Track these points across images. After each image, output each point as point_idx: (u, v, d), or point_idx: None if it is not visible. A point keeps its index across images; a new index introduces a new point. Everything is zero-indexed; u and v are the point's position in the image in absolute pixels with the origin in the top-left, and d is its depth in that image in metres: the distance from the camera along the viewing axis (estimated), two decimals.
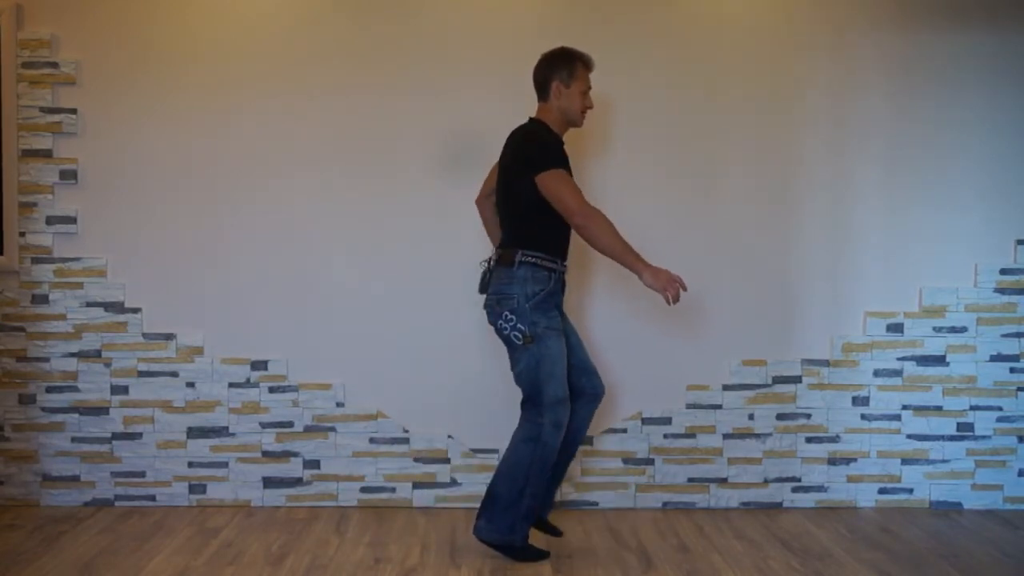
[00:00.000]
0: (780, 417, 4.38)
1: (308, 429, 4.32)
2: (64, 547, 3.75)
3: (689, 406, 4.36)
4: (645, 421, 4.36)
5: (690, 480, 4.36)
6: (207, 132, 4.26)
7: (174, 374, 4.30)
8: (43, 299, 4.27)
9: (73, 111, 4.24)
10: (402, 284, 4.30)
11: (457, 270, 4.18)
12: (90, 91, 4.24)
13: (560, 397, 3.54)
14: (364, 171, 4.28)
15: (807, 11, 4.31)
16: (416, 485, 4.33)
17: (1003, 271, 4.38)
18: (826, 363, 4.37)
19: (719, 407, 4.37)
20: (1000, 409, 4.39)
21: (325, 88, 4.25)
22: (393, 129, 4.27)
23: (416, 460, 4.33)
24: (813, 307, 4.37)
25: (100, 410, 4.29)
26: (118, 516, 4.16)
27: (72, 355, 4.28)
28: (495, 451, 4.23)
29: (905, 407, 4.38)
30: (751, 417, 4.37)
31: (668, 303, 3.46)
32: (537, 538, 3.78)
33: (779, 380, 4.37)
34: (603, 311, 4.33)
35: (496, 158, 3.72)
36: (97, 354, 4.29)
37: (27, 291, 4.27)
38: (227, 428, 4.31)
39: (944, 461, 4.39)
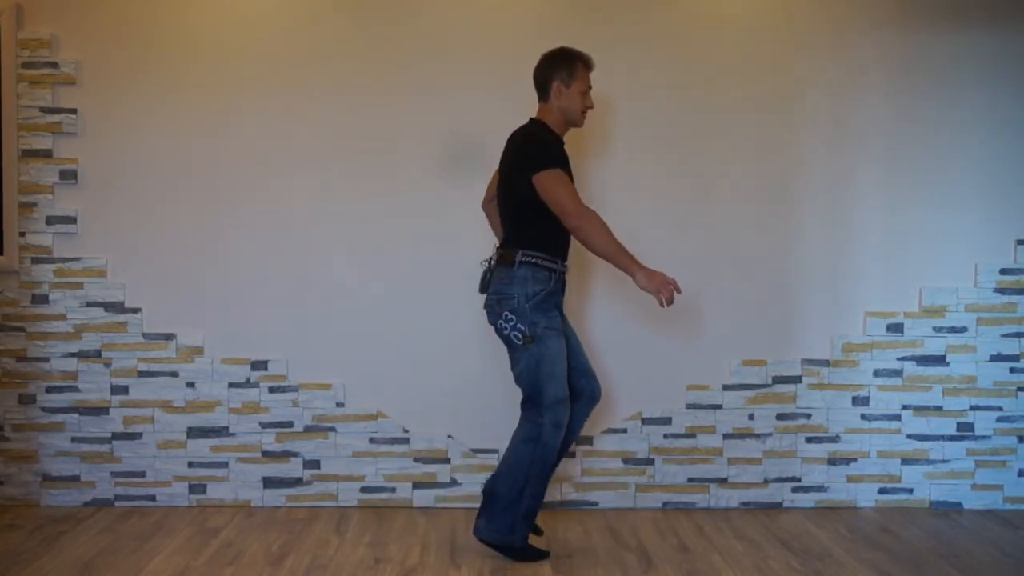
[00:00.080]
0: (780, 417, 4.38)
1: (308, 429, 4.32)
2: (64, 547, 3.76)
3: (689, 406, 4.36)
4: (645, 421, 4.36)
5: (690, 480, 4.36)
6: (207, 132, 4.26)
7: (174, 374, 4.30)
8: (43, 299, 4.27)
9: (73, 111, 4.24)
10: (402, 284, 4.30)
11: (457, 270, 4.18)
12: (90, 91, 4.24)
13: (560, 397, 3.54)
14: (364, 171, 4.28)
15: (807, 11, 4.32)
16: (416, 485, 4.33)
17: (1003, 271, 4.38)
18: (826, 363, 4.37)
19: (719, 407, 4.37)
20: (1000, 409, 4.39)
21: (325, 88, 4.25)
22: (393, 129, 4.27)
23: (416, 460, 4.33)
24: (813, 307, 4.37)
25: (100, 410, 4.29)
26: (118, 516, 4.16)
27: (72, 355, 4.28)
28: (495, 451, 4.23)
29: (905, 407, 4.39)
30: (751, 417, 4.37)
31: (661, 305, 3.45)
32: (537, 538, 3.78)
33: (779, 380, 4.37)
34: (603, 312, 4.33)
35: (496, 158, 3.71)
36: (97, 354, 4.29)
37: (27, 291, 4.27)
38: (227, 428, 4.31)
39: (944, 461, 4.39)
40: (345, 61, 4.25)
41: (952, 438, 4.39)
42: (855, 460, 4.38)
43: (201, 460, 4.31)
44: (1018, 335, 4.39)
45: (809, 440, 4.38)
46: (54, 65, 4.22)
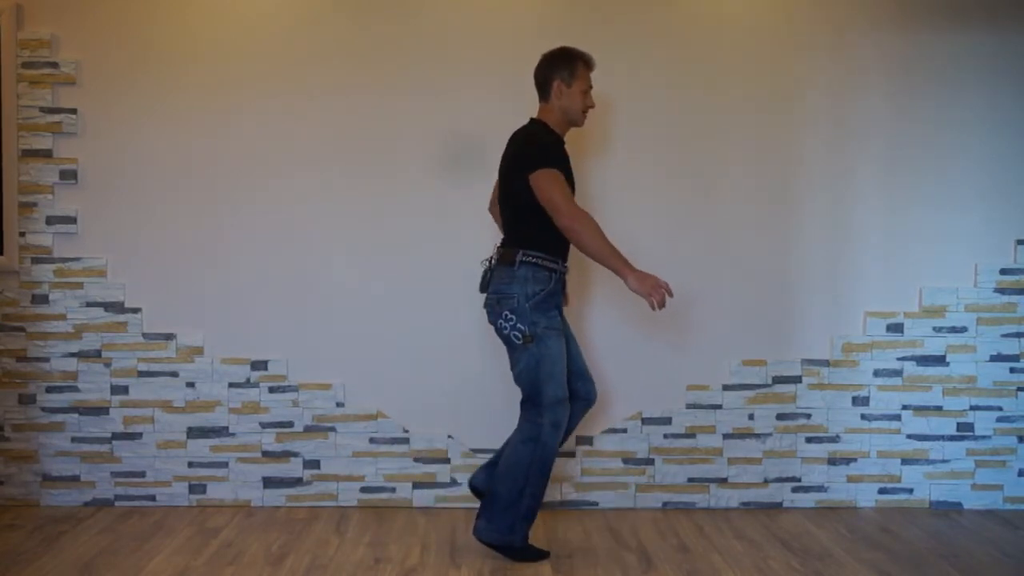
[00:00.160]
0: (780, 417, 4.38)
1: (308, 429, 4.32)
2: (64, 547, 3.76)
3: (689, 406, 4.36)
4: (645, 421, 4.36)
5: (690, 480, 4.37)
6: (207, 132, 4.26)
7: (174, 374, 4.30)
8: (43, 299, 4.27)
9: (73, 111, 4.24)
10: (402, 284, 4.30)
11: (457, 270, 4.18)
12: (90, 91, 4.24)
13: (560, 397, 3.54)
14: (364, 171, 4.28)
15: (807, 11, 4.32)
16: (416, 485, 4.33)
17: (1003, 271, 4.38)
18: (826, 363, 4.37)
19: (719, 407, 4.37)
20: (1000, 409, 4.39)
21: (325, 88, 4.25)
22: (393, 129, 4.27)
23: (416, 460, 4.33)
24: (813, 307, 4.37)
25: (100, 410, 4.29)
26: (118, 516, 4.16)
27: (72, 355, 4.28)
28: (495, 451, 4.22)
29: (905, 407, 4.39)
30: (751, 417, 4.37)
31: (653, 308, 3.45)
32: (537, 538, 3.78)
33: (779, 380, 4.37)
34: (603, 312, 4.33)
35: (496, 158, 3.72)
36: (97, 354, 4.29)
37: (27, 291, 4.27)
38: (227, 428, 4.31)
39: (944, 461, 4.39)
40: (345, 61, 4.25)
41: (952, 438, 4.39)
42: (855, 460, 4.38)
43: (201, 460, 4.31)
44: (1018, 335, 4.39)
45: (809, 440, 4.38)
46: (54, 65, 4.22)
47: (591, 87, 3.66)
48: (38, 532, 3.93)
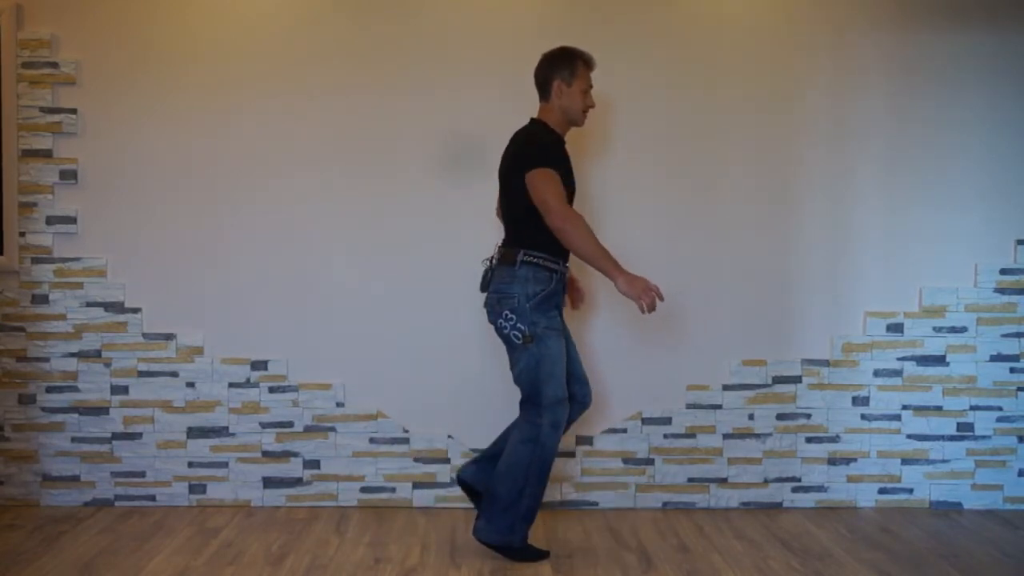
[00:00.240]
0: (780, 417, 4.38)
1: (308, 429, 4.32)
2: (64, 547, 3.76)
3: (689, 406, 4.36)
4: (645, 421, 4.36)
5: (690, 480, 4.37)
6: (207, 132, 4.26)
7: (174, 374, 4.30)
8: (43, 299, 4.27)
9: (73, 111, 4.24)
10: (402, 284, 4.30)
11: (457, 270, 4.18)
12: (90, 91, 4.24)
13: (559, 397, 3.54)
14: (364, 171, 4.28)
15: (807, 11, 4.32)
16: (416, 485, 4.33)
17: (1003, 271, 4.38)
18: (826, 363, 4.37)
19: (719, 407, 4.37)
20: (1000, 409, 4.39)
21: (325, 88, 4.25)
22: (393, 129, 4.27)
23: (416, 460, 4.33)
24: (813, 307, 4.37)
25: (100, 410, 4.30)
26: (118, 516, 4.16)
27: (72, 355, 4.28)
28: None
29: (905, 407, 4.39)
30: (751, 417, 4.37)
31: (642, 312, 3.44)
32: (537, 538, 3.79)
33: (779, 380, 4.37)
34: (603, 312, 4.33)
35: (496, 158, 3.72)
36: (97, 354, 4.29)
37: (27, 291, 4.27)
38: (227, 428, 4.31)
39: (944, 461, 4.39)
40: (345, 61, 4.25)
41: (952, 438, 4.39)
42: (855, 460, 4.38)
43: (201, 460, 4.31)
44: (1018, 335, 4.39)
45: (809, 440, 4.38)
46: (54, 65, 4.22)
47: (591, 87, 3.66)
48: (38, 532, 3.93)
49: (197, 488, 4.31)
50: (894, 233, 4.36)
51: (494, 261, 3.63)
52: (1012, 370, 4.39)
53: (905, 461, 4.39)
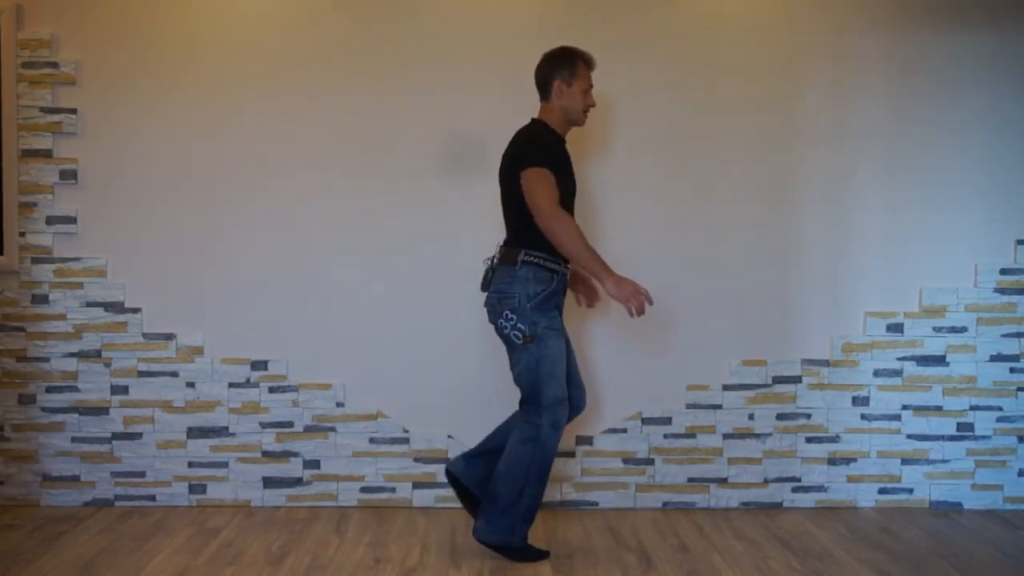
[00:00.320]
0: (780, 417, 4.38)
1: (308, 429, 4.32)
2: (64, 547, 3.76)
3: (689, 406, 4.36)
4: (645, 421, 4.36)
5: (690, 480, 4.36)
6: (207, 132, 4.26)
7: (174, 374, 4.30)
8: (43, 299, 4.27)
9: (73, 111, 4.24)
10: (402, 284, 4.30)
11: (457, 270, 4.18)
12: (90, 91, 4.24)
13: (559, 397, 3.54)
14: (364, 171, 4.28)
15: (807, 11, 4.31)
16: (416, 485, 4.33)
17: (1003, 271, 4.38)
18: (826, 363, 4.37)
19: (719, 407, 4.37)
20: (1000, 409, 4.39)
21: (325, 88, 4.25)
22: (393, 129, 4.27)
23: (416, 460, 4.33)
24: (813, 307, 4.37)
25: (100, 410, 4.30)
26: (118, 516, 4.16)
27: (72, 355, 4.28)
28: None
29: (905, 407, 4.39)
30: (751, 417, 4.37)
31: (631, 315, 3.44)
32: (537, 538, 3.79)
33: (779, 380, 4.37)
34: (603, 312, 4.32)
35: (496, 158, 3.72)
36: (97, 354, 4.29)
37: (27, 291, 4.27)
38: (227, 428, 4.31)
39: (944, 461, 4.39)
40: (345, 61, 4.25)
41: (952, 438, 4.39)
42: (855, 460, 4.38)
43: (201, 460, 4.31)
44: (1018, 335, 4.39)
45: (809, 440, 4.38)
46: (54, 65, 4.22)
47: (592, 86, 3.66)
48: (38, 532, 3.93)
49: (197, 488, 4.31)
50: (894, 233, 4.36)
51: (495, 261, 3.63)
52: (1012, 370, 4.39)
53: (905, 461, 4.39)
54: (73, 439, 4.30)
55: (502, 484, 3.55)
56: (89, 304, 4.28)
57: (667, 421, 4.36)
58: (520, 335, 3.51)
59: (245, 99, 4.25)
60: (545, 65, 3.64)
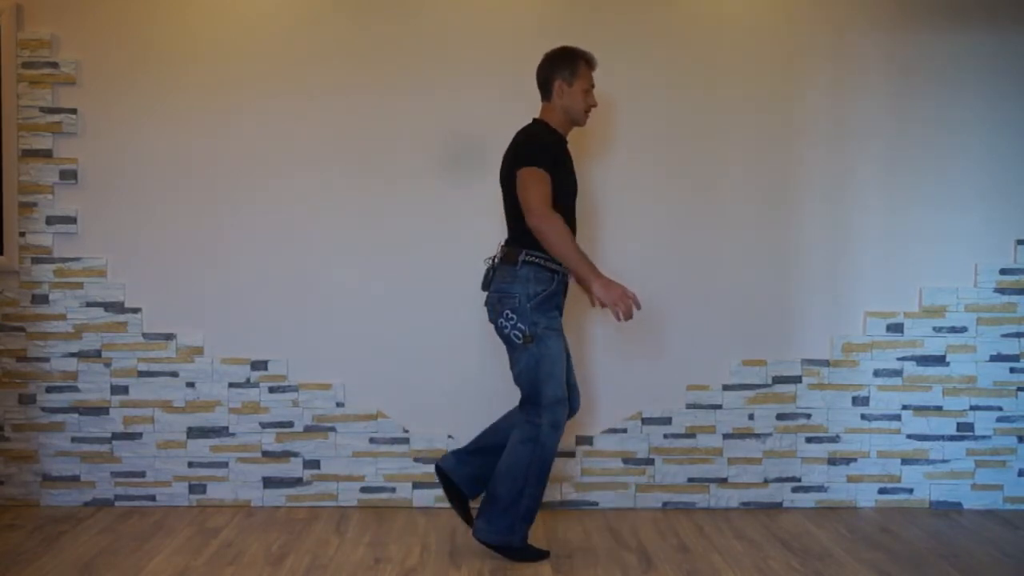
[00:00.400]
0: (780, 417, 4.38)
1: (308, 429, 4.32)
2: (64, 547, 3.76)
3: (689, 406, 4.36)
4: (645, 421, 4.36)
5: (690, 480, 4.36)
6: (207, 132, 4.26)
7: (174, 374, 4.30)
8: (43, 299, 4.27)
9: (73, 111, 4.24)
10: (402, 284, 4.30)
11: (457, 270, 4.18)
12: (90, 91, 4.24)
13: (559, 397, 3.54)
14: (364, 171, 4.28)
15: (807, 11, 4.32)
16: (416, 485, 4.33)
17: (1003, 271, 4.38)
18: (826, 363, 4.37)
19: (719, 407, 4.37)
20: (1000, 409, 4.39)
21: (325, 88, 4.25)
22: (393, 129, 4.27)
23: (416, 460, 4.33)
24: (813, 307, 4.37)
25: (100, 410, 4.30)
26: (118, 516, 4.17)
27: (72, 355, 4.28)
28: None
29: (905, 407, 4.39)
30: (751, 417, 4.37)
31: (617, 319, 3.44)
32: (537, 538, 3.79)
33: (779, 380, 4.37)
34: (603, 311, 4.32)
35: (496, 158, 3.72)
36: (97, 354, 4.29)
37: (27, 291, 4.27)
38: (227, 428, 4.31)
39: (944, 461, 4.39)
40: (345, 61, 4.25)
41: (952, 438, 4.39)
42: (855, 460, 4.38)
43: (201, 460, 4.31)
44: (1018, 335, 4.39)
45: (809, 440, 4.38)
46: (54, 65, 4.22)
47: (593, 86, 3.66)
48: (38, 532, 3.93)
49: (197, 488, 4.31)
50: (894, 233, 4.36)
51: (496, 260, 3.63)
52: (1012, 370, 4.39)
53: (905, 461, 4.39)
54: (73, 439, 4.30)
55: (502, 484, 3.55)
56: (89, 304, 4.28)
57: (667, 421, 4.36)
58: (520, 335, 3.51)
59: (245, 99, 4.25)
60: (546, 65, 3.64)
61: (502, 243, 3.67)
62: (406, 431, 4.34)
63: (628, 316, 3.43)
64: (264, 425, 4.31)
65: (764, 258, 4.35)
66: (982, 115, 4.35)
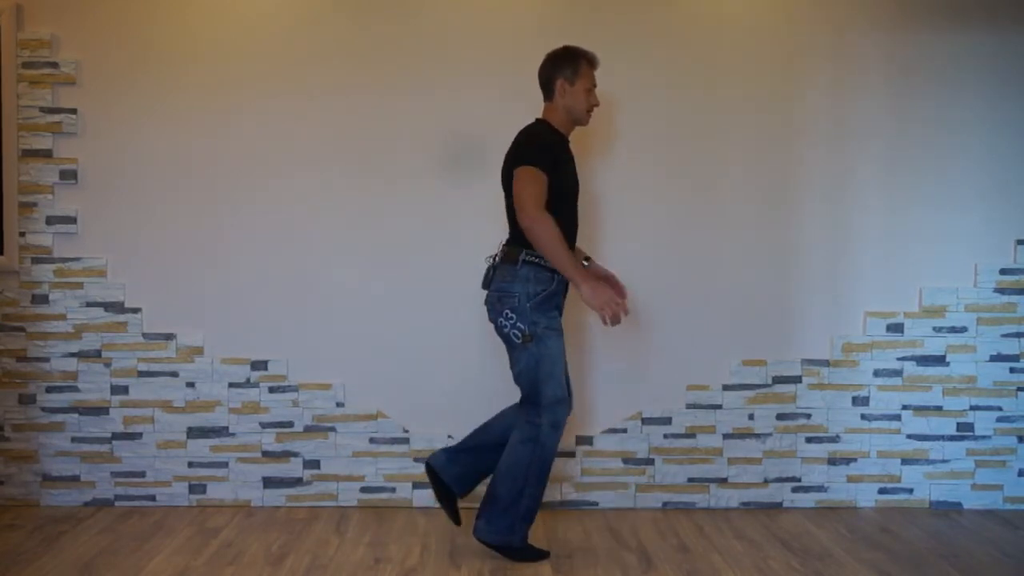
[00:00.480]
0: (780, 417, 4.38)
1: (308, 429, 4.32)
2: (64, 547, 3.76)
3: (689, 406, 4.36)
4: (645, 421, 4.36)
5: (690, 480, 4.36)
6: (207, 132, 4.26)
7: (174, 374, 4.30)
8: (43, 299, 4.27)
9: (73, 111, 4.24)
10: (402, 284, 4.30)
11: (457, 270, 4.18)
12: (90, 91, 4.24)
13: (559, 397, 3.54)
14: (364, 171, 4.28)
15: (807, 11, 4.32)
16: (416, 485, 4.33)
17: (1003, 271, 4.38)
18: (826, 363, 4.37)
19: (719, 407, 4.37)
20: (1000, 409, 4.39)
21: (325, 88, 4.25)
22: (393, 129, 4.27)
23: (416, 460, 4.33)
24: (813, 307, 4.37)
25: (100, 410, 4.30)
26: (118, 516, 4.17)
27: (72, 355, 4.28)
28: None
29: (905, 407, 4.39)
30: (751, 417, 4.37)
31: (604, 323, 3.44)
32: (537, 538, 3.79)
33: (779, 380, 4.37)
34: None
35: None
36: (97, 354, 4.29)
37: (27, 291, 4.27)
38: (227, 428, 4.31)
39: (944, 461, 4.39)
40: (345, 61, 4.25)
41: (952, 438, 4.39)
42: (855, 460, 4.38)
43: (201, 460, 4.31)
44: (1018, 335, 4.39)
45: (809, 440, 4.38)
46: (54, 65, 4.22)
47: (595, 85, 3.66)
48: (38, 532, 3.93)
49: (197, 488, 4.31)
50: (894, 233, 4.36)
51: (497, 259, 3.63)
52: (1012, 370, 4.39)
53: (905, 461, 4.39)
54: (73, 439, 4.30)
55: (502, 484, 3.55)
56: (89, 304, 4.28)
57: (667, 421, 4.36)
58: (519, 334, 3.51)
59: (245, 99, 4.25)
60: (548, 65, 3.64)
61: (503, 242, 3.67)
62: (406, 431, 4.34)
63: (615, 321, 3.43)
64: (264, 425, 4.31)
65: (764, 258, 4.35)
66: (982, 115, 4.35)
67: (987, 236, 4.37)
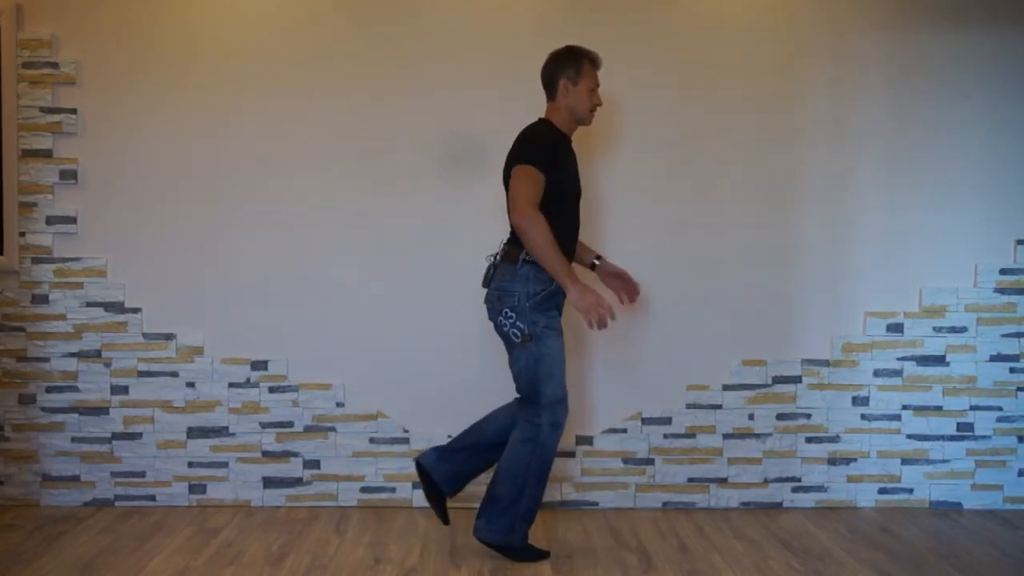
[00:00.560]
0: (780, 417, 4.38)
1: (308, 429, 4.32)
2: (64, 547, 3.76)
3: (689, 406, 4.36)
4: (645, 421, 4.36)
5: (690, 480, 4.36)
6: (207, 132, 4.26)
7: (174, 374, 4.30)
8: (43, 299, 4.27)
9: (73, 111, 4.24)
10: (402, 284, 4.30)
11: (457, 270, 4.18)
12: (90, 91, 4.24)
13: (558, 397, 3.54)
14: (364, 171, 4.28)
15: (807, 11, 4.32)
16: (416, 485, 4.33)
17: (1003, 271, 4.38)
18: (826, 363, 4.37)
19: (719, 407, 4.37)
20: (1000, 409, 4.39)
21: (325, 88, 4.25)
22: (393, 129, 4.27)
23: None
24: (813, 307, 4.37)
25: (100, 410, 4.30)
26: (118, 516, 4.17)
27: (72, 355, 4.28)
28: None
29: (905, 407, 4.39)
30: (751, 417, 4.37)
31: (590, 327, 3.44)
32: (538, 537, 3.79)
33: (779, 380, 4.37)
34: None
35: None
36: (97, 354, 4.29)
37: (27, 291, 4.27)
38: (227, 428, 4.31)
39: (944, 461, 4.39)
40: (345, 61, 4.25)
41: (952, 438, 4.39)
42: (855, 460, 4.38)
43: (201, 460, 4.31)
44: (1018, 335, 4.39)
45: (809, 440, 4.38)
46: (54, 65, 4.22)
47: (598, 85, 3.66)
48: (38, 532, 3.93)
49: (197, 488, 4.31)
50: (894, 233, 4.36)
51: (497, 258, 3.63)
52: (1012, 370, 4.39)
53: (905, 461, 4.39)
54: (73, 439, 4.30)
55: (502, 484, 3.55)
56: (89, 304, 4.28)
57: (667, 421, 4.36)
58: (519, 333, 3.51)
59: (245, 99, 4.25)
60: (551, 64, 3.64)
61: (504, 241, 3.67)
62: (406, 431, 4.34)
63: (602, 325, 3.42)
64: (264, 425, 4.31)
65: (764, 258, 4.35)
66: (982, 115, 4.35)
67: (987, 236, 4.37)
